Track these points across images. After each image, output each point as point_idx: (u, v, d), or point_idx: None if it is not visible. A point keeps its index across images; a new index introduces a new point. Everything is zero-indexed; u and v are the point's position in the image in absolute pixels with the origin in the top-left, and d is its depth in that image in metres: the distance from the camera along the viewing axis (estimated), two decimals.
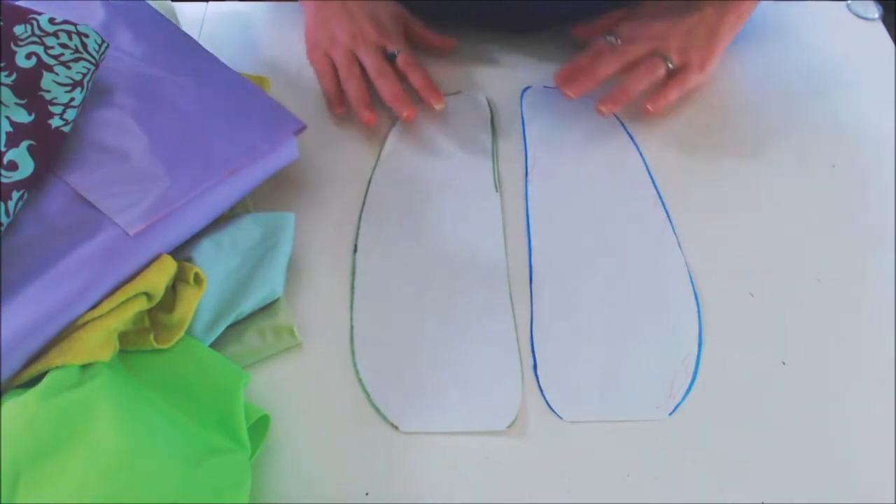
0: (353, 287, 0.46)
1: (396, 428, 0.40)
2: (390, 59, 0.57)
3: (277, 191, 0.50)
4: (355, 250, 0.48)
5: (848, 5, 0.66)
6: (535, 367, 0.43)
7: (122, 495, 0.32)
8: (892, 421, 0.42)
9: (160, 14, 0.50)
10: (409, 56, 0.57)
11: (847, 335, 0.45)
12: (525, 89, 0.58)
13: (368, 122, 0.54)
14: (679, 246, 0.49)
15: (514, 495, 0.39)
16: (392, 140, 0.55)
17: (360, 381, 0.42)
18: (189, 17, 0.62)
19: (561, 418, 0.41)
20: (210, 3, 0.64)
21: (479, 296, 0.46)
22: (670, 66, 0.54)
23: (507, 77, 0.59)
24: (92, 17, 0.47)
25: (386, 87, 0.54)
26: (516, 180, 0.52)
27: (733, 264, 0.48)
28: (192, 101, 0.45)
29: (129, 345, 0.39)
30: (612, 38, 0.56)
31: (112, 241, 0.38)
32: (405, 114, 0.54)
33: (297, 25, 0.62)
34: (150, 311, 0.40)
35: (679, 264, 0.48)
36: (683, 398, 0.42)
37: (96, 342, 0.36)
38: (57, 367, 0.35)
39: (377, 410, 0.41)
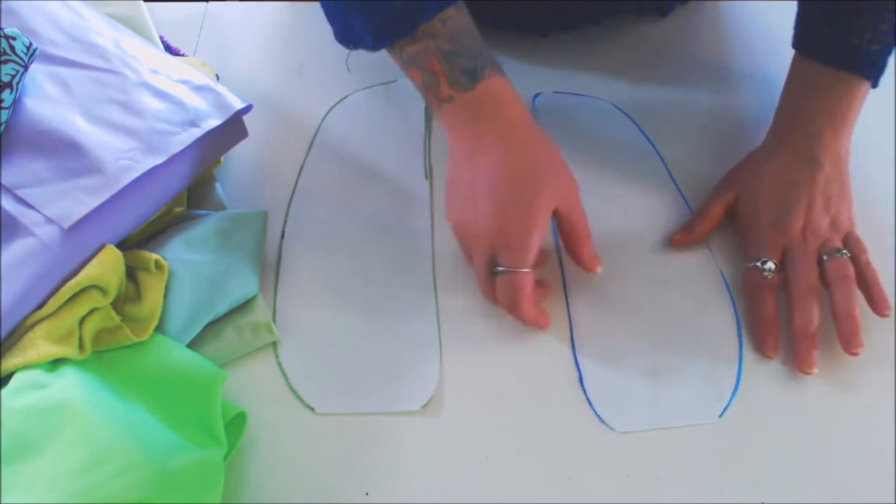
0: (277, 272, 0.46)
1: (313, 409, 0.41)
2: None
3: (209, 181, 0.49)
4: (282, 236, 0.48)
5: None
6: (580, 379, 0.43)
7: (90, 495, 0.32)
8: (893, 421, 0.42)
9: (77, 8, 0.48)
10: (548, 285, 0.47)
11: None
12: (536, 95, 0.58)
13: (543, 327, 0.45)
14: (708, 245, 0.49)
15: (514, 496, 0.39)
16: (325, 128, 0.55)
17: (279, 364, 0.42)
18: (189, 17, 0.62)
19: (613, 430, 0.41)
20: (210, 3, 0.64)
21: (402, 280, 0.46)
22: (847, 253, 0.45)
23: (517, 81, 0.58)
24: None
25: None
26: None
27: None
28: (123, 90, 0.43)
29: (104, 344, 0.38)
30: (770, 266, 0.45)
31: (48, 237, 0.37)
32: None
33: (296, 25, 0.62)
34: (117, 307, 0.39)
35: (710, 264, 0.48)
36: (730, 399, 0.42)
37: (52, 340, 0.36)
38: (25, 368, 0.35)
39: (294, 392, 0.41)
